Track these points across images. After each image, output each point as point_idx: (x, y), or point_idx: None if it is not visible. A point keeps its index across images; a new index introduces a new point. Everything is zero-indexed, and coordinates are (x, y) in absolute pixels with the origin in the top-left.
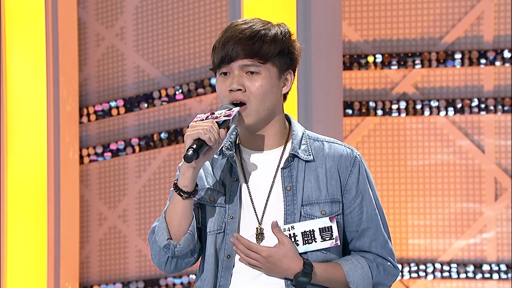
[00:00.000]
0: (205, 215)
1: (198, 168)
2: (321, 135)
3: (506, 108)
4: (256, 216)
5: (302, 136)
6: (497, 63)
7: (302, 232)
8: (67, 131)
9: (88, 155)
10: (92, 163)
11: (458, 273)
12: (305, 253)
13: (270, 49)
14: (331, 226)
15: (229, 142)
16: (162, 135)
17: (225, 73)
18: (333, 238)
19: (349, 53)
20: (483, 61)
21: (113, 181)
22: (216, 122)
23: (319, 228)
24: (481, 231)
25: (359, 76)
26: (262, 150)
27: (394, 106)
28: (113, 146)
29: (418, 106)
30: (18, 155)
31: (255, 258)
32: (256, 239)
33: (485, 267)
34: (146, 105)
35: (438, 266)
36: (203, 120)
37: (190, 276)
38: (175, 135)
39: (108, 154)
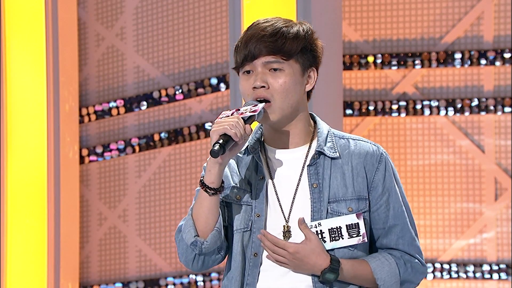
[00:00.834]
0: (232, 214)
1: (224, 165)
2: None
3: (506, 108)
4: (283, 213)
5: (328, 134)
6: (497, 63)
7: (329, 229)
8: (67, 131)
9: (88, 155)
10: (92, 163)
11: (458, 273)
12: (332, 250)
13: (293, 46)
14: (358, 223)
15: (254, 141)
16: (162, 135)
17: (248, 72)
18: (360, 235)
19: (349, 53)
20: (483, 61)
21: (113, 181)
22: (242, 118)
23: (346, 225)
24: (481, 231)
25: (359, 76)
26: (288, 147)
27: (394, 106)
28: (113, 146)
29: (418, 106)
30: (18, 155)
31: (282, 255)
32: (283, 236)
33: (485, 267)
34: (146, 105)
35: (438, 266)
36: (228, 116)
37: (190, 276)
38: (175, 135)
39: (108, 154)
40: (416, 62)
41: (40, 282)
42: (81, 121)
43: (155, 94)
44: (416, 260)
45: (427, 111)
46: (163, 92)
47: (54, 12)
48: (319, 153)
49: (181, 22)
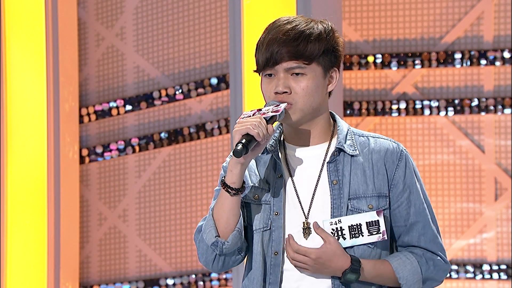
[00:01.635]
0: (251, 214)
1: (246, 165)
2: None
3: (506, 108)
4: (303, 210)
5: (347, 132)
6: (497, 63)
7: (349, 226)
8: (67, 131)
9: (88, 155)
10: (92, 163)
11: (458, 273)
12: (352, 247)
13: (315, 49)
14: (378, 220)
15: (273, 140)
16: (162, 135)
17: (269, 75)
18: (380, 232)
19: (349, 53)
20: (483, 61)
21: (113, 181)
22: (264, 118)
23: (366, 222)
24: (481, 231)
25: (359, 76)
26: (308, 145)
27: (394, 106)
28: (113, 146)
29: (418, 106)
30: (18, 155)
31: (304, 262)
32: (303, 233)
33: (485, 267)
34: (146, 105)
35: None
36: (249, 116)
37: (191, 276)
38: (175, 135)
39: (108, 154)
40: (416, 62)
41: (40, 282)
42: (81, 121)
43: (155, 94)
44: (439, 258)
45: (427, 111)
46: (163, 92)
47: (54, 12)
48: (339, 150)
49: (181, 22)
